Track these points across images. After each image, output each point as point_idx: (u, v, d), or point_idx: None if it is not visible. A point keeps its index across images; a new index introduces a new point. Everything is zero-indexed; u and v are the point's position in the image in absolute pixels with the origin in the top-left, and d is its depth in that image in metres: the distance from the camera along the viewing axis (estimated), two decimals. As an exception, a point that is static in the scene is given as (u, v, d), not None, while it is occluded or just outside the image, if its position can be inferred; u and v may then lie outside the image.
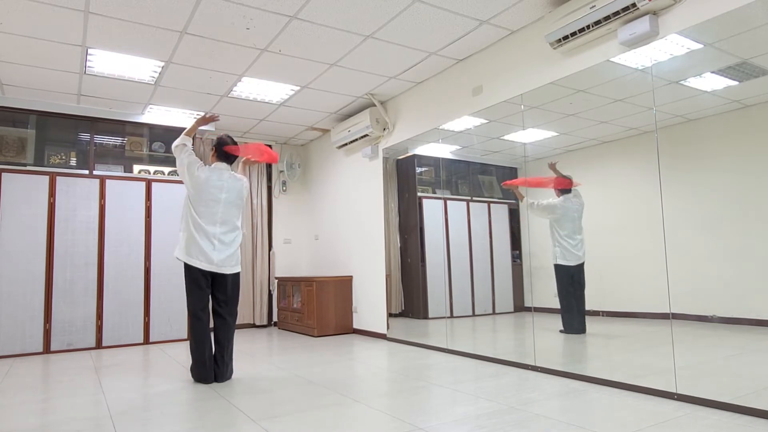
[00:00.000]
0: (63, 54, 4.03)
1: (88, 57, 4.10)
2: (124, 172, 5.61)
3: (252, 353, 4.65)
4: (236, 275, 3.61)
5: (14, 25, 3.55)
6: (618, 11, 2.96)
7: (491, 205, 4.91)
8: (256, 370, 3.87)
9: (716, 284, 2.94)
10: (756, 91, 2.79)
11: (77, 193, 5.17)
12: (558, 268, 3.77)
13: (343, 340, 5.32)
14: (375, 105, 5.33)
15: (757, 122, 2.73)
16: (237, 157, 3.72)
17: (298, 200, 7.26)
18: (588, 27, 3.15)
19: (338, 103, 5.39)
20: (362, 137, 5.45)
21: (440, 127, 4.64)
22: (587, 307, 3.67)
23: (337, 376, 3.56)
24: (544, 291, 3.82)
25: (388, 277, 5.33)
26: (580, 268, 3.68)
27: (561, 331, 3.75)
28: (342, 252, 6.21)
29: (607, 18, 3.04)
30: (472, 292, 4.79)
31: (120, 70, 4.40)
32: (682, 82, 2.98)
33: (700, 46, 2.86)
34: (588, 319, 3.66)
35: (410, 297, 5.37)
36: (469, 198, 5.00)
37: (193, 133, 3.70)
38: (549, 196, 3.87)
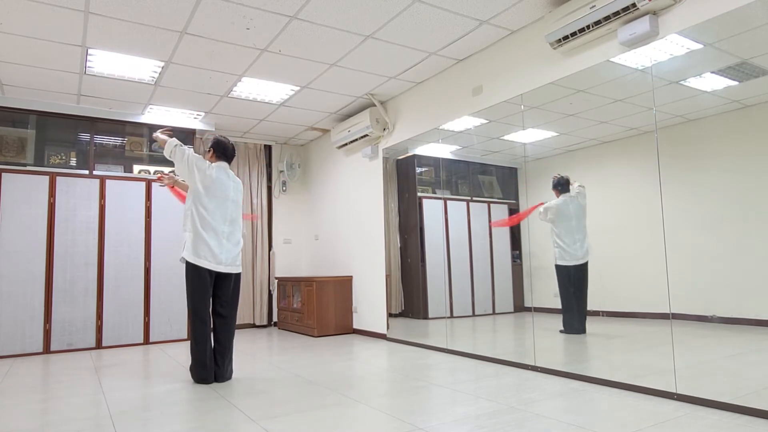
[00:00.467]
0: (63, 54, 4.03)
1: (88, 57, 4.10)
2: (124, 172, 5.61)
3: (252, 353, 4.65)
4: (238, 275, 3.64)
5: (14, 25, 3.55)
6: (618, 11, 2.96)
7: (491, 205, 4.91)
8: (256, 370, 3.87)
9: (716, 284, 2.94)
10: (756, 91, 2.78)
11: (77, 193, 5.17)
12: (557, 268, 3.78)
13: (343, 340, 5.32)
14: (375, 105, 5.33)
15: (757, 122, 2.73)
16: (235, 156, 3.80)
17: (298, 200, 7.26)
18: (588, 27, 3.15)
19: (338, 103, 5.39)
20: (362, 137, 5.45)
21: (440, 127, 4.64)
22: (587, 307, 3.68)
23: (337, 376, 3.56)
24: (544, 291, 3.82)
25: (388, 277, 5.33)
26: (580, 268, 3.68)
27: (561, 331, 3.75)
28: (342, 252, 6.21)
29: (607, 18, 3.04)
30: (472, 292, 4.79)
31: (120, 70, 4.40)
32: (682, 82, 2.98)
33: (700, 46, 2.86)
34: (588, 319, 3.66)
35: (410, 297, 5.37)
36: (469, 198, 5.00)
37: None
38: (550, 199, 3.87)
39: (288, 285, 6.36)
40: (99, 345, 5.12)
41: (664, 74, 2.92)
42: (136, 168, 5.70)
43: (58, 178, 5.10)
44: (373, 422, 2.49)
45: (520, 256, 4.48)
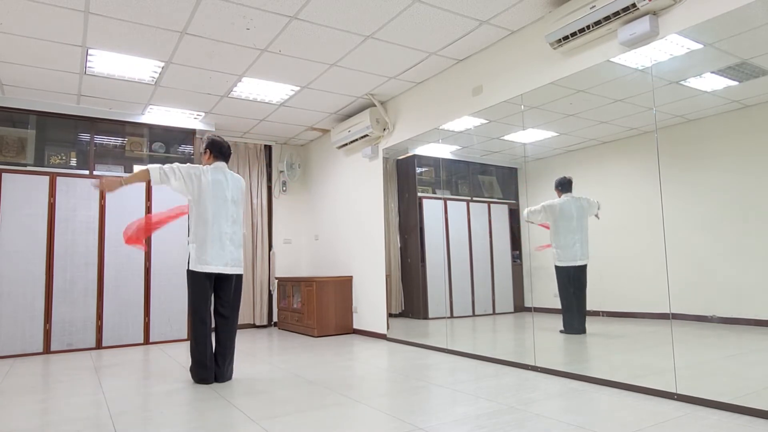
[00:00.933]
0: (63, 54, 4.03)
1: (88, 57, 4.10)
2: (124, 172, 5.60)
3: (252, 353, 4.65)
4: (240, 276, 3.64)
5: (14, 25, 3.55)
6: (618, 11, 2.96)
7: (491, 205, 4.91)
8: (256, 370, 3.87)
9: (716, 284, 2.94)
10: (756, 91, 2.78)
11: (77, 194, 5.17)
12: (556, 269, 3.78)
13: (343, 340, 5.32)
14: (375, 105, 5.33)
15: (757, 122, 2.73)
16: (231, 155, 3.79)
17: (298, 200, 7.26)
18: (588, 27, 3.15)
19: (338, 103, 5.39)
20: (362, 137, 5.45)
21: (440, 127, 4.64)
22: (587, 307, 3.68)
23: (337, 376, 3.56)
24: (544, 291, 3.82)
25: (388, 277, 5.33)
26: (579, 269, 3.68)
27: (561, 332, 3.75)
28: (342, 252, 6.21)
29: (607, 18, 3.04)
30: (472, 292, 4.79)
31: (120, 71, 4.40)
32: (682, 82, 2.98)
33: (700, 46, 2.86)
34: (588, 319, 3.66)
35: (410, 297, 5.37)
36: (469, 198, 5.00)
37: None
38: (550, 198, 3.87)
39: (288, 285, 6.36)
40: (99, 345, 5.12)
41: (664, 74, 2.92)
42: (136, 168, 5.67)
43: (58, 178, 5.10)
44: (373, 422, 2.49)
45: (520, 256, 4.48)
